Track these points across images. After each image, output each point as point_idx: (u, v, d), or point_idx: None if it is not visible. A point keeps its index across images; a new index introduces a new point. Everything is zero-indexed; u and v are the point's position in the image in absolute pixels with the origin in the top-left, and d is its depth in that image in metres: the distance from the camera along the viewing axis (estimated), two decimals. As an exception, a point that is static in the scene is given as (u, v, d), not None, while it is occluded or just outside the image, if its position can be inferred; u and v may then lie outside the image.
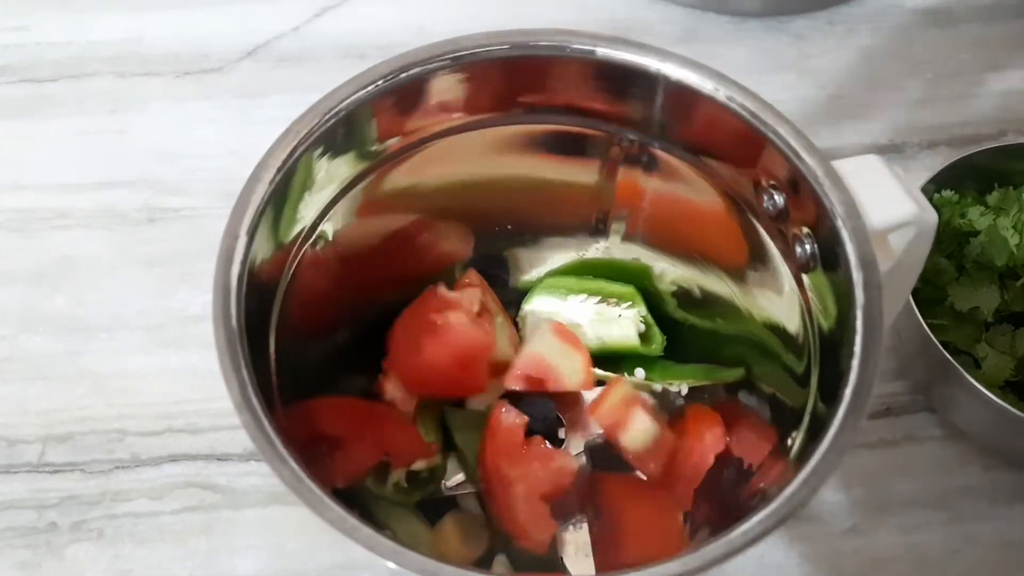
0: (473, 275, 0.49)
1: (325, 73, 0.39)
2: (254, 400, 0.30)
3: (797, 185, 0.36)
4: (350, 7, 0.70)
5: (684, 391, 0.48)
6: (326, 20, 0.69)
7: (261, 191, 0.34)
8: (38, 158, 0.62)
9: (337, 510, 0.29)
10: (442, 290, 0.46)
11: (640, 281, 0.49)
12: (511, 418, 0.44)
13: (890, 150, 0.63)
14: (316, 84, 0.38)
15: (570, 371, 0.46)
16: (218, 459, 0.52)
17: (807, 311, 0.38)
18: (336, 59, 0.67)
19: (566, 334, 0.47)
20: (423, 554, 0.28)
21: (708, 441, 0.45)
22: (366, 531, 0.28)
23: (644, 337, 0.49)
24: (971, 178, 0.55)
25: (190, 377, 0.54)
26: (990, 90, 0.66)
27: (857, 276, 0.34)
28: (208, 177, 0.62)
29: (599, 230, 0.48)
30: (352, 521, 0.28)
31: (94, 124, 0.64)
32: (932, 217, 0.37)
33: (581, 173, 0.44)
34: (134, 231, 0.60)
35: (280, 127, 0.37)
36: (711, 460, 0.45)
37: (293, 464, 0.29)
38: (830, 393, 0.34)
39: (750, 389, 0.46)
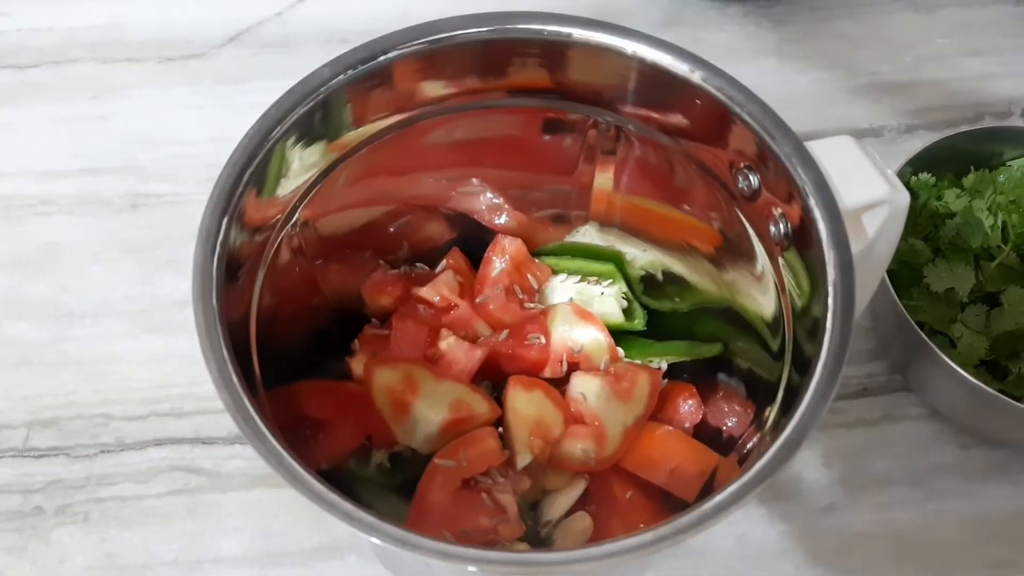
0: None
1: (308, 58, 0.39)
2: (235, 379, 0.31)
3: (770, 165, 0.36)
4: (333, -8, 0.70)
5: (664, 368, 0.49)
6: (309, 5, 0.70)
7: (238, 176, 0.34)
8: (20, 145, 0.62)
9: (318, 486, 0.29)
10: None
11: (616, 264, 0.50)
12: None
13: (869, 134, 0.64)
14: (299, 69, 0.38)
15: (598, 352, 0.47)
16: (203, 442, 0.52)
17: (781, 289, 0.38)
18: (319, 44, 0.67)
19: (584, 314, 0.47)
20: (403, 528, 0.28)
21: (684, 412, 0.46)
22: (347, 506, 0.29)
23: (626, 313, 0.50)
24: (948, 161, 0.55)
25: (175, 362, 0.55)
26: (968, 74, 0.67)
27: (829, 255, 0.34)
28: (191, 163, 0.62)
29: (579, 215, 0.48)
30: (333, 496, 0.29)
31: (76, 110, 0.64)
32: (904, 197, 0.38)
33: (560, 156, 0.45)
34: (118, 217, 0.60)
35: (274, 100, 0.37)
36: (690, 431, 0.46)
37: (274, 442, 0.30)
38: (803, 367, 0.35)
39: (728, 367, 0.47)
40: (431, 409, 0.41)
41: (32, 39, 0.67)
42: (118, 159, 0.62)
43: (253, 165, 0.35)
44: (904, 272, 0.53)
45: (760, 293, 0.41)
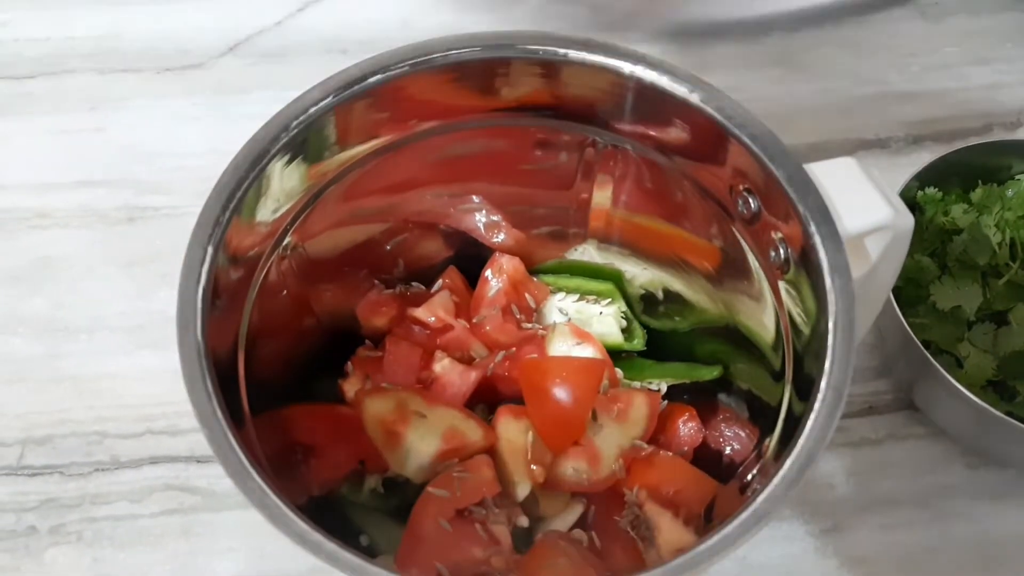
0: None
1: (308, 68, 0.38)
2: (219, 413, 0.30)
3: (770, 189, 0.35)
4: (333, 1, 0.69)
5: (663, 390, 0.48)
6: (308, 15, 0.69)
7: (227, 199, 0.33)
8: (16, 157, 0.62)
9: (301, 525, 0.28)
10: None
11: (615, 283, 0.49)
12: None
13: (875, 146, 0.63)
14: (299, 80, 0.38)
15: None
16: (198, 461, 0.52)
17: (782, 313, 0.38)
18: (319, 54, 0.67)
19: (582, 334, 0.47)
20: (385, 568, 0.28)
21: (684, 435, 0.45)
22: (330, 547, 0.28)
23: (625, 333, 0.49)
24: (956, 174, 0.54)
25: (170, 378, 0.52)
26: (977, 84, 0.66)
27: (829, 282, 0.33)
28: (189, 175, 0.61)
29: (577, 232, 0.48)
30: (316, 536, 0.28)
31: (73, 122, 0.63)
32: (908, 221, 0.37)
33: (558, 175, 0.44)
34: (114, 231, 0.59)
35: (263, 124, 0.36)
36: (690, 455, 0.45)
37: (257, 478, 0.29)
38: (805, 391, 0.34)
39: (729, 388, 0.46)
40: (423, 439, 0.40)
41: (29, 49, 0.66)
42: (115, 171, 0.61)
43: (240, 192, 0.34)
44: (910, 289, 0.52)
45: (760, 311, 0.40)
